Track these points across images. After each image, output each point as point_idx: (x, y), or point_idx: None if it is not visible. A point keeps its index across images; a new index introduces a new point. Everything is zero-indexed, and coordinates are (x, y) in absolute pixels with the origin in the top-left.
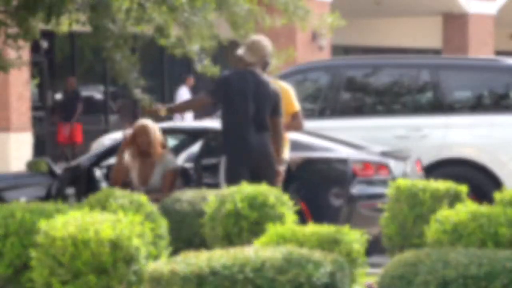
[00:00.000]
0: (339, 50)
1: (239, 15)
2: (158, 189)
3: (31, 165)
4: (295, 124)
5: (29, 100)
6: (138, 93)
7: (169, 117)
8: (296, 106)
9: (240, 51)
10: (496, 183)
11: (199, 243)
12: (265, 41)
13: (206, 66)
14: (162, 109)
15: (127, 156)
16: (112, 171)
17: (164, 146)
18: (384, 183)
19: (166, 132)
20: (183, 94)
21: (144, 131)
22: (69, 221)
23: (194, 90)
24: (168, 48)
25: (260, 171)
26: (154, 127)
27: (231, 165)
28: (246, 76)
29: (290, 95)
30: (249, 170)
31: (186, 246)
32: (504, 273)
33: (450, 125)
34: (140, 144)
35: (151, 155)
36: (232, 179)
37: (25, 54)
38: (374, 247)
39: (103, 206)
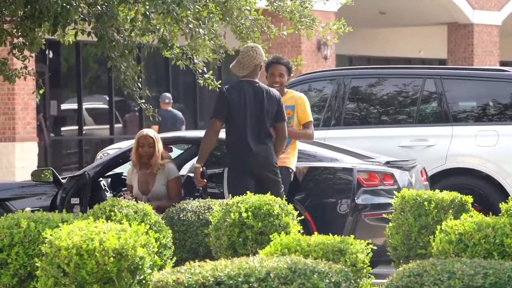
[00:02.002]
0: (343, 59)
1: (244, 25)
2: (160, 197)
3: (36, 175)
4: (306, 134)
5: (34, 110)
6: (142, 103)
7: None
8: (310, 116)
9: (232, 66)
10: (501, 193)
11: (204, 252)
12: (252, 50)
13: (208, 80)
14: (198, 168)
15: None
16: (128, 189)
17: (166, 155)
18: (389, 193)
19: (171, 141)
20: None
21: (146, 142)
22: (74, 231)
23: None
24: (172, 59)
25: (264, 181)
26: (156, 137)
27: (234, 177)
28: (244, 87)
29: (305, 105)
30: (254, 181)
31: (191, 256)
32: (509, 284)
33: (455, 135)
34: (142, 154)
35: (152, 165)
36: (236, 191)
37: (31, 64)
38: (379, 257)
39: (108, 216)
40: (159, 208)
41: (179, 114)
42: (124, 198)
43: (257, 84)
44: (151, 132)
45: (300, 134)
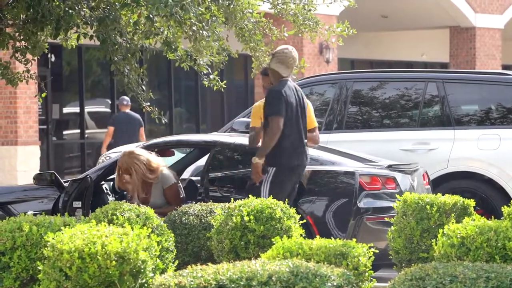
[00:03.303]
0: (346, 63)
1: (247, 27)
2: (160, 207)
3: (38, 178)
4: (314, 138)
5: (36, 114)
6: (147, 105)
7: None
8: (315, 121)
9: (274, 65)
10: (503, 196)
11: (206, 256)
12: (294, 51)
13: (213, 80)
14: (260, 163)
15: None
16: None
17: (156, 165)
18: (391, 196)
19: (173, 145)
20: None
21: (126, 170)
22: (76, 234)
23: None
24: (176, 61)
25: (296, 182)
26: (137, 162)
27: (284, 176)
28: (292, 89)
29: (311, 111)
30: (292, 184)
31: (193, 259)
32: None
33: (458, 139)
34: (128, 176)
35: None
36: (279, 192)
37: (33, 67)
38: (381, 261)
39: (110, 219)
40: (160, 216)
41: (137, 116)
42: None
43: (299, 88)
44: (127, 163)
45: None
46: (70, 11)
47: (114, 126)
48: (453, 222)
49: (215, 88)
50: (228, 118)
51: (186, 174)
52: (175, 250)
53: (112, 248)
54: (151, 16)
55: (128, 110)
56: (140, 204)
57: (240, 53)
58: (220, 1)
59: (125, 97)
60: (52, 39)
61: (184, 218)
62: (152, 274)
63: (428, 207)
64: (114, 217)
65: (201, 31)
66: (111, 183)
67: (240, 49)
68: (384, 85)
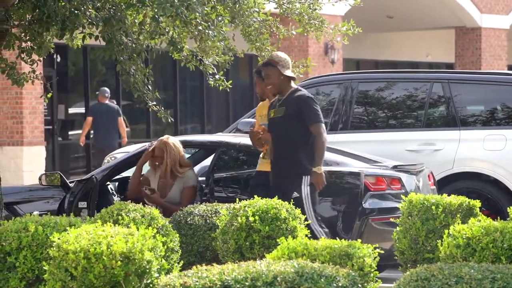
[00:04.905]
0: (351, 63)
1: (253, 26)
2: (175, 203)
3: (44, 179)
4: None
5: (42, 114)
6: (153, 105)
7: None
8: None
9: (286, 71)
10: (509, 197)
11: (211, 256)
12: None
13: (218, 80)
14: (323, 171)
15: (146, 168)
16: (129, 184)
17: (185, 163)
18: (396, 197)
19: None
20: None
21: (160, 150)
22: (81, 235)
23: None
24: (182, 61)
25: None
26: (172, 146)
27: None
28: None
29: None
30: None
31: (198, 260)
32: None
33: (463, 139)
34: (158, 161)
35: (173, 172)
36: (316, 197)
37: (38, 68)
38: (386, 262)
39: (116, 220)
40: (169, 211)
41: (116, 106)
42: (145, 190)
43: None
44: (168, 139)
45: None
46: (76, 11)
47: (94, 117)
48: (458, 223)
49: (220, 88)
50: (233, 119)
51: None
52: (180, 250)
53: (117, 248)
54: (156, 16)
55: (107, 101)
56: (157, 191)
57: (245, 53)
58: (227, 0)
59: (106, 89)
60: (57, 40)
61: (189, 219)
62: (157, 275)
63: (433, 207)
64: (120, 217)
65: (207, 31)
66: (117, 183)
67: (246, 49)
68: (390, 86)
